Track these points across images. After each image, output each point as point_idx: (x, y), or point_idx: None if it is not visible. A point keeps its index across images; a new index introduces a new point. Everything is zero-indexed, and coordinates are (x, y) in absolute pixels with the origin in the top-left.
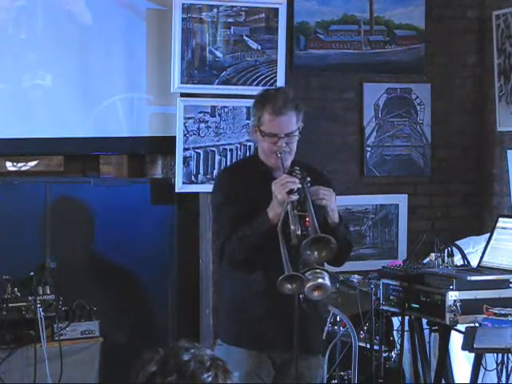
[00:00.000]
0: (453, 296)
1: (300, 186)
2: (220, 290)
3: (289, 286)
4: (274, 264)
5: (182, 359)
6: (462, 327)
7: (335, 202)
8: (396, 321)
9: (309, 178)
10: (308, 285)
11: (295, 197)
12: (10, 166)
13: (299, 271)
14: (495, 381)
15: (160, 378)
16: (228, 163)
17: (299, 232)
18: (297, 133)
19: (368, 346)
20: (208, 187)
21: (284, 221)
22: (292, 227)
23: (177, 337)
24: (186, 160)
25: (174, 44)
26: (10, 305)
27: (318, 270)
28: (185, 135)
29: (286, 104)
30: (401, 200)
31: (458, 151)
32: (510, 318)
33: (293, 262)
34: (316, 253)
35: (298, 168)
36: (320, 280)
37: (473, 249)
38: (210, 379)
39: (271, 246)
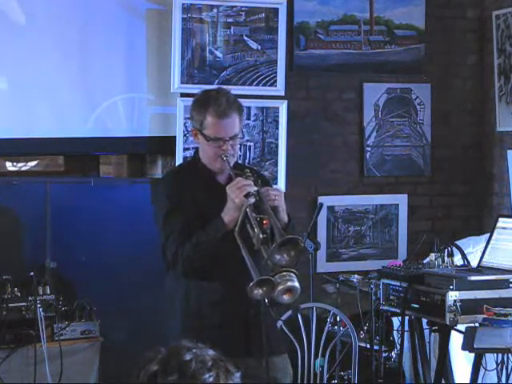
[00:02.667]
0: (453, 296)
1: (256, 188)
2: (171, 298)
3: (259, 291)
4: (231, 270)
5: (183, 359)
6: (462, 327)
7: (283, 201)
8: (396, 321)
9: (259, 180)
10: (278, 288)
11: (253, 200)
12: (9, 165)
13: (263, 275)
14: (495, 381)
15: (161, 378)
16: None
17: (261, 235)
18: (240, 134)
19: (368, 346)
20: None
21: (240, 225)
22: (255, 230)
23: (176, 337)
24: (186, 160)
25: (173, 44)
26: (10, 305)
27: (285, 273)
28: (185, 135)
29: (229, 106)
30: (401, 200)
31: (458, 151)
32: (510, 318)
33: (256, 266)
34: (285, 255)
35: (248, 170)
36: (290, 283)
37: (473, 249)
38: (211, 379)
39: (226, 251)
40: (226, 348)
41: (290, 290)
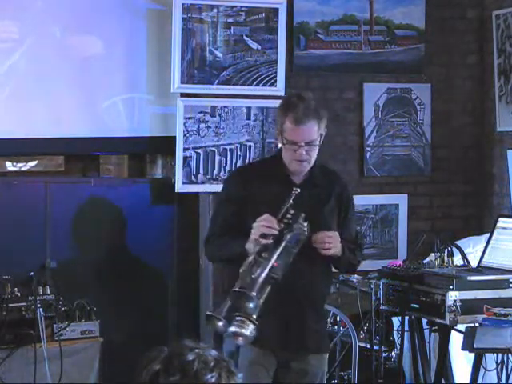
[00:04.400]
0: (453, 296)
1: (276, 233)
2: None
3: (215, 321)
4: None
5: (186, 359)
6: (462, 327)
7: (339, 242)
8: (396, 321)
9: (305, 225)
10: (230, 329)
11: (265, 241)
12: (9, 165)
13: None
14: (495, 381)
15: (163, 378)
16: (228, 163)
17: (250, 277)
18: (317, 141)
19: (368, 346)
20: (208, 187)
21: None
22: (241, 269)
23: (176, 337)
24: (185, 160)
25: (174, 44)
26: (10, 305)
27: (242, 319)
28: (185, 135)
29: (306, 113)
30: (401, 200)
31: (458, 151)
32: (510, 318)
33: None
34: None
35: (292, 212)
36: (235, 329)
37: (473, 249)
38: (213, 380)
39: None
40: (266, 339)
41: (238, 335)
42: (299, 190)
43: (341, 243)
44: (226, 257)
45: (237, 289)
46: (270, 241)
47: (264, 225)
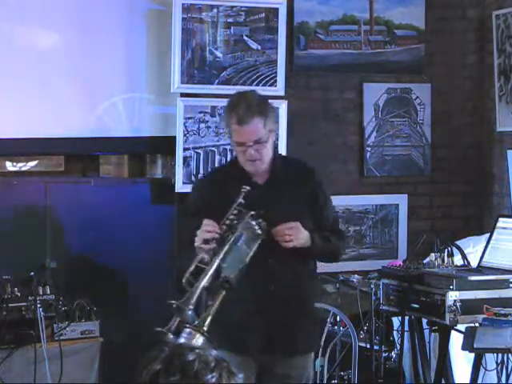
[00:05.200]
0: (453, 296)
1: (217, 236)
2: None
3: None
4: (254, 268)
5: (186, 359)
6: (462, 327)
7: (303, 233)
8: (396, 321)
9: (256, 224)
10: (179, 340)
11: (207, 246)
12: (9, 165)
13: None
14: (495, 381)
15: (164, 378)
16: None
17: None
18: (267, 138)
19: (368, 346)
20: None
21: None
22: (183, 279)
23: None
24: (185, 160)
25: (174, 44)
26: (10, 305)
27: (190, 331)
28: (185, 135)
29: (248, 112)
30: (401, 200)
31: (458, 151)
32: (510, 318)
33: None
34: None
35: (236, 212)
36: (183, 341)
37: (473, 249)
38: (213, 380)
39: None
40: (246, 345)
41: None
42: (249, 188)
43: (310, 233)
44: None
45: (173, 302)
46: (213, 245)
47: (205, 230)
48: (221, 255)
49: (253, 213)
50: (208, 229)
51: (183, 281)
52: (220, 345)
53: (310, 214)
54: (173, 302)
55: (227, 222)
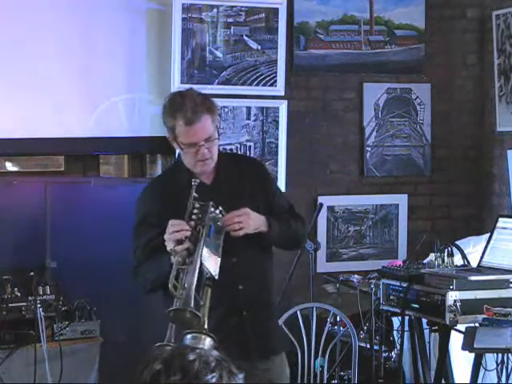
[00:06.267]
0: (453, 296)
1: (188, 233)
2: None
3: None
4: (221, 274)
5: (187, 359)
6: (462, 327)
7: (254, 219)
8: (396, 321)
9: (216, 212)
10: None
11: (181, 247)
12: (9, 166)
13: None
14: (495, 381)
15: (164, 377)
16: None
17: (184, 288)
18: (216, 134)
19: (368, 346)
20: None
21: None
22: (169, 285)
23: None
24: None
25: (174, 44)
26: (10, 305)
27: (198, 335)
28: None
29: (196, 110)
30: (401, 200)
31: (458, 151)
32: (510, 318)
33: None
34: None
35: (198, 205)
36: (200, 346)
37: (473, 249)
38: (214, 380)
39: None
40: (223, 351)
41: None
42: (198, 180)
43: (265, 216)
44: (159, 282)
45: (172, 308)
46: (188, 244)
47: (173, 230)
48: (200, 251)
49: (212, 203)
50: (177, 229)
51: (170, 286)
52: None
53: (264, 207)
54: (170, 309)
55: (193, 217)
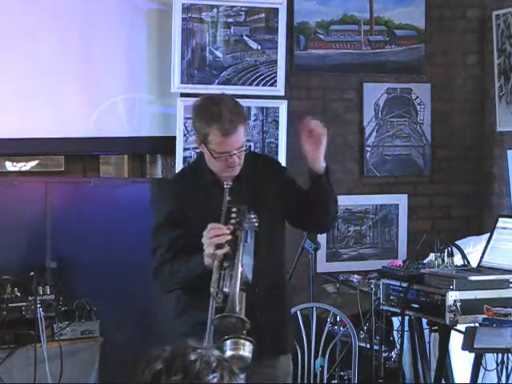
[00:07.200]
0: (453, 296)
1: (229, 238)
2: (174, 311)
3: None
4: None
5: (188, 359)
6: (462, 327)
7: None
8: (396, 321)
9: (252, 216)
10: (227, 354)
11: (222, 251)
12: (9, 166)
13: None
14: (495, 381)
15: (165, 377)
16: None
17: (222, 292)
18: (245, 142)
19: (368, 346)
20: None
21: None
22: (211, 289)
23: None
24: (185, 160)
25: (174, 44)
26: (10, 305)
27: (238, 340)
28: (185, 135)
29: (233, 121)
30: (401, 200)
31: (458, 151)
32: (510, 318)
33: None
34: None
35: (236, 209)
36: (240, 352)
37: (473, 249)
38: (215, 380)
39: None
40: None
41: (238, 358)
42: (231, 183)
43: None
44: (184, 283)
45: (219, 316)
46: (227, 249)
47: (214, 234)
48: (240, 256)
49: (246, 206)
50: (218, 233)
51: (211, 290)
52: None
53: (285, 202)
54: (217, 316)
55: (232, 221)
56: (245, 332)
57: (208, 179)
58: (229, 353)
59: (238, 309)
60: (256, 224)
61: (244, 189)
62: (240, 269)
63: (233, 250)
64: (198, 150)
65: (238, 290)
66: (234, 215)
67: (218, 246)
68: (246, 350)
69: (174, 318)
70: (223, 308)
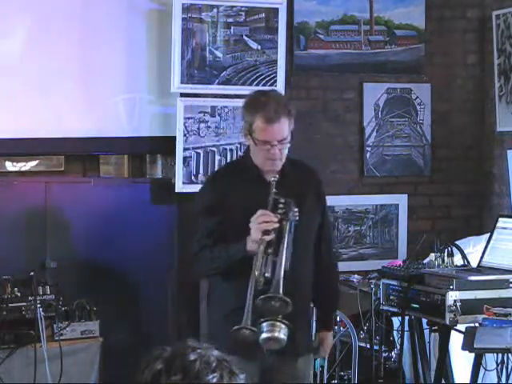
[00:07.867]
0: (453, 296)
1: (277, 225)
2: (209, 299)
3: (246, 332)
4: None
5: (188, 359)
6: (462, 327)
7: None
8: (396, 321)
9: (295, 210)
10: (262, 336)
11: (269, 237)
12: (9, 166)
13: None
14: (495, 381)
15: (165, 377)
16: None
17: (264, 276)
18: (289, 138)
19: (368, 346)
20: None
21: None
22: (256, 272)
23: (176, 337)
24: (185, 160)
25: (174, 44)
26: (10, 305)
27: (275, 323)
28: (185, 135)
29: (278, 111)
30: (401, 200)
31: (458, 151)
32: (510, 318)
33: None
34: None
35: (283, 201)
36: (276, 334)
37: (473, 249)
38: (214, 380)
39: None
40: (254, 349)
41: (273, 339)
42: (277, 176)
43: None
44: (225, 267)
45: (263, 296)
46: (273, 235)
47: (263, 221)
48: (285, 244)
49: (292, 200)
50: (267, 219)
51: (256, 274)
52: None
53: (319, 212)
54: (261, 297)
55: (279, 211)
56: (280, 316)
57: (252, 173)
58: (265, 335)
59: (280, 290)
60: (297, 218)
61: (287, 186)
62: (285, 255)
63: (277, 237)
64: (245, 142)
65: (282, 273)
66: (281, 205)
67: (265, 232)
68: (282, 332)
69: (210, 305)
70: (263, 291)
